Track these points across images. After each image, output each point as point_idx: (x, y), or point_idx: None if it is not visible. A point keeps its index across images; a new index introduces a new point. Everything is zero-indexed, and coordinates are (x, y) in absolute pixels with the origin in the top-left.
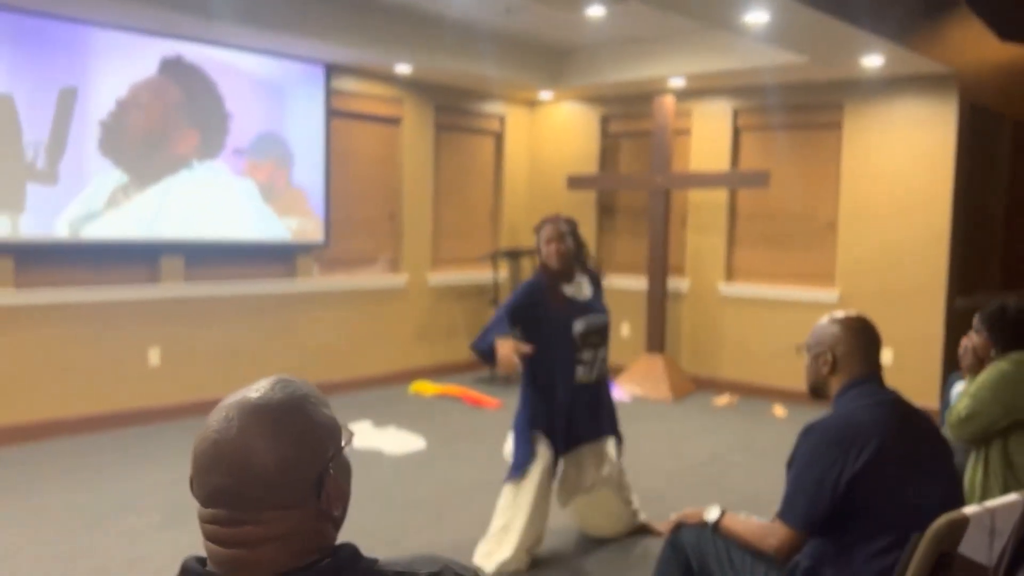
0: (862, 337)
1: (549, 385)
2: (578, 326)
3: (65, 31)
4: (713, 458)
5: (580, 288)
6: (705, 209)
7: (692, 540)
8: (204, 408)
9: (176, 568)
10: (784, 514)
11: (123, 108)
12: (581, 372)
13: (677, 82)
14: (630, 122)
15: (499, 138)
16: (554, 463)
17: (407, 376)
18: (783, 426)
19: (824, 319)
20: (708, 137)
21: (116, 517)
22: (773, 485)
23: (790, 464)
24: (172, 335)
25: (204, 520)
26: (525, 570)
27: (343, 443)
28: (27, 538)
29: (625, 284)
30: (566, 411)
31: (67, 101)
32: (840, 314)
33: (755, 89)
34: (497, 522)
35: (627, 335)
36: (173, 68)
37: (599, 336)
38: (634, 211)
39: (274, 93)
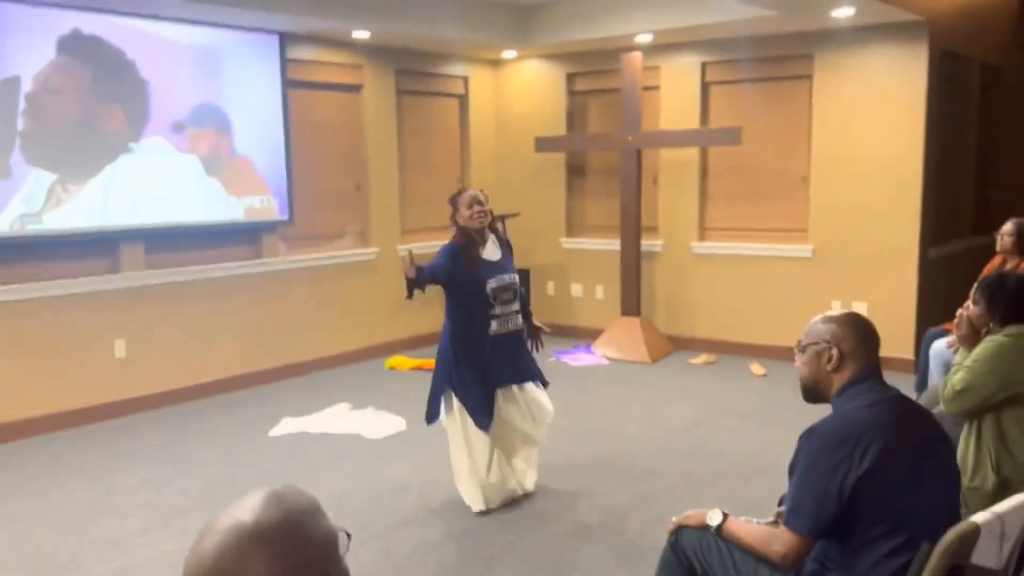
0: (864, 333)
1: (466, 336)
2: (491, 283)
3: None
4: (697, 423)
5: (492, 250)
6: (676, 167)
7: (694, 543)
8: (174, 397)
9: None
10: (789, 520)
11: (34, 100)
12: (495, 325)
13: (645, 38)
14: (597, 79)
15: (463, 100)
16: (484, 403)
17: (384, 350)
18: (762, 384)
19: (817, 318)
20: (677, 93)
21: (96, 523)
22: (760, 448)
23: (792, 468)
24: (137, 325)
25: None
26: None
27: (342, 552)
28: (5, 549)
29: (597, 246)
30: (484, 359)
31: (10, 91)
32: (835, 312)
33: (723, 42)
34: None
35: (601, 297)
36: (76, 46)
37: (510, 293)
38: (604, 171)
39: (208, 63)
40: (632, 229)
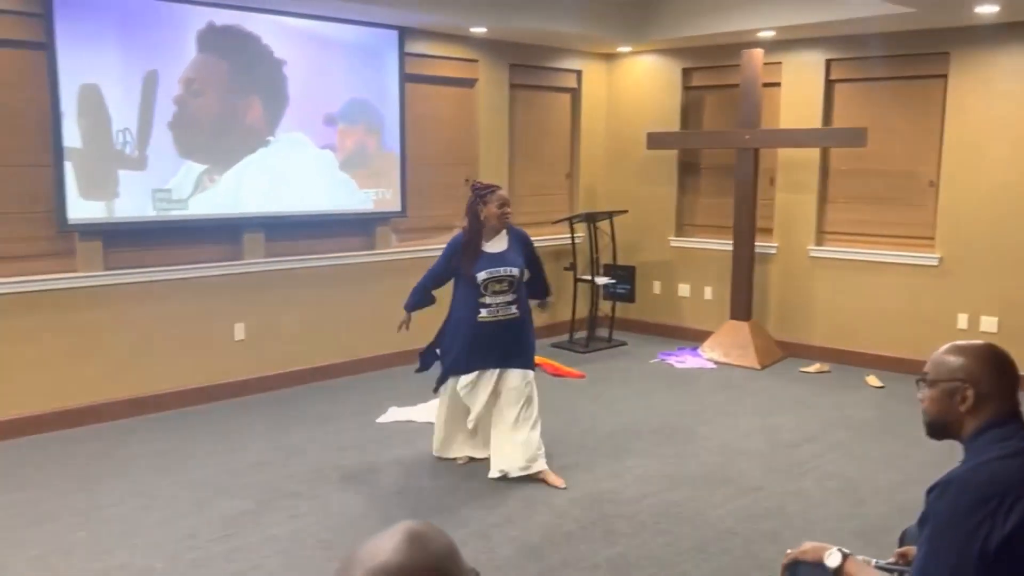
0: (1004, 371)
1: (459, 319)
2: (482, 275)
3: (145, 9)
4: (809, 436)
5: (498, 242)
6: (795, 166)
7: None
8: (287, 380)
9: (275, 558)
10: None
11: (183, 94)
12: (484, 312)
13: (767, 34)
14: (714, 75)
15: (575, 94)
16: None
17: None
18: (879, 398)
19: (947, 348)
20: (799, 90)
21: (211, 502)
22: (876, 467)
23: (923, 522)
24: (256, 309)
25: None
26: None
27: None
28: (127, 523)
29: (707, 246)
30: (471, 342)
31: (151, 85)
32: (968, 343)
33: (851, 39)
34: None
35: (709, 299)
36: (217, 40)
37: (503, 284)
38: (718, 169)
39: (362, 58)
40: (746, 230)
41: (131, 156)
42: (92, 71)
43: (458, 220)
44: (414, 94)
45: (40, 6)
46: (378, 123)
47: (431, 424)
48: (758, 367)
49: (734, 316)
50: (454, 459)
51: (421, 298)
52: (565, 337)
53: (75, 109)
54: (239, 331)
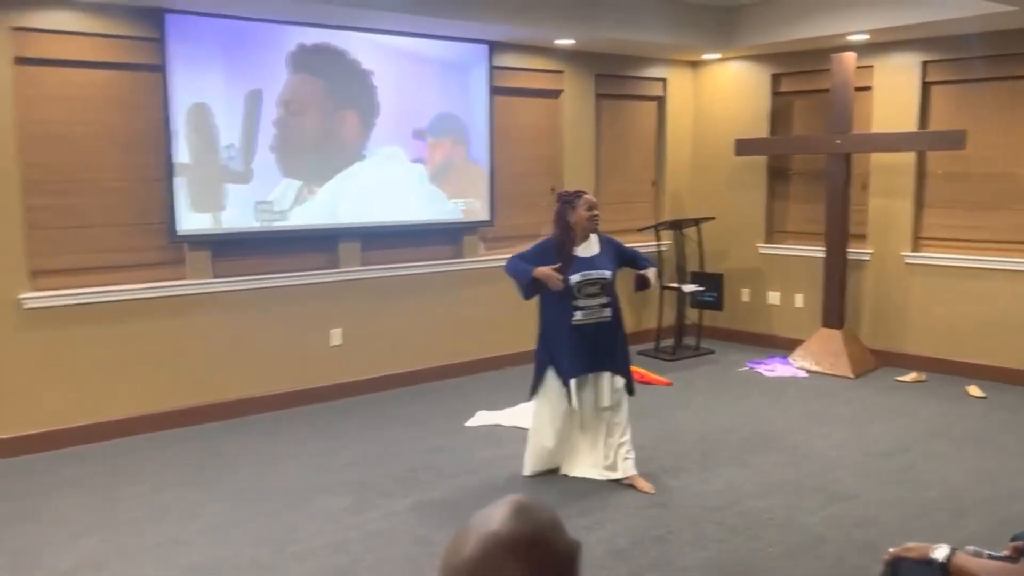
0: None
1: (554, 324)
2: (575, 277)
3: (244, 31)
4: (906, 446)
5: (589, 247)
6: (889, 171)
7: None
8: (381, 384)
9: (373, 553)
10: None
11: (286, 112)
12: (579, 315)
13: (860, 38)
14: (804, 80)
15: (661, 102)
16: (565, 387)
17: None
18: (981, 408)
19: None
20: (892, 93)
21: (310, 498)
22: (977, 479)
23: None
24: (351, 315)
25: None
26: (542, 471)
27: (579, 564)
28: (234, 517)
29: (798, 252)
30: (570, 347)
31: (253, 103)
32: None
33: (947, 40)
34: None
35: (800, 306)
36: (313, 60)
37: (596, 286)
38: (809, 175)
39: (450, 73)
40: (838, 236)
41: (237, 171)
42: (201, 91)
43: (544, 229)
44: (501, 106)
45: (155, 31)
46: (464, 136)
47: (519, 428)
48: (852, 376)
49: (826, 324)
50: (547, 469)
51: (522, 267)
52: (651, 345)
53: (185, 127)
54: (335, 336)
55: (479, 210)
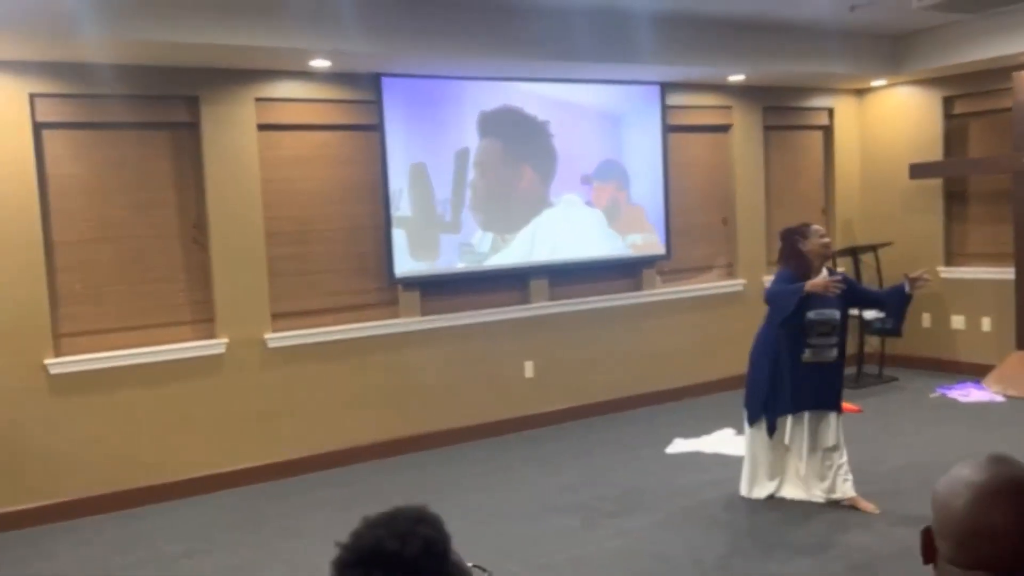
0: None
1: (777, 360)
2: (811, 314)
3: (444, 88)
4: None
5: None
6: None
7: None
8: (573, 414)
9: (617, 567)
10: None
11: (478, 172)
12: (808, 353)
13: None
14: (978, 101)
15: (828, 131)
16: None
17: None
18: None
19: None
20: None
21: (539, 518)
22: None
23: None
24: (542, 349)
25: None
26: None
27: None
28: (474, 534)
29: (982, 275)
30: (795, 383)
31: (462, 160)
32: None
33: None
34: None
35: (988, 330)
36: (502, 118)
37: (828, 326)
38: (989, 196)
39: (610, 122)
40: None
41: (447, 221)
42: (416, 150)
43: (718, 260)
44: (673, 143)
45: (374, 94)
46: (625, 180)
47: (720, 454)
48: None
49: (1020, 347)
50: (760, 496)
51: (785, 288)
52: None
53: (407, 183)
54: (529, 369)
55: (652, 244)
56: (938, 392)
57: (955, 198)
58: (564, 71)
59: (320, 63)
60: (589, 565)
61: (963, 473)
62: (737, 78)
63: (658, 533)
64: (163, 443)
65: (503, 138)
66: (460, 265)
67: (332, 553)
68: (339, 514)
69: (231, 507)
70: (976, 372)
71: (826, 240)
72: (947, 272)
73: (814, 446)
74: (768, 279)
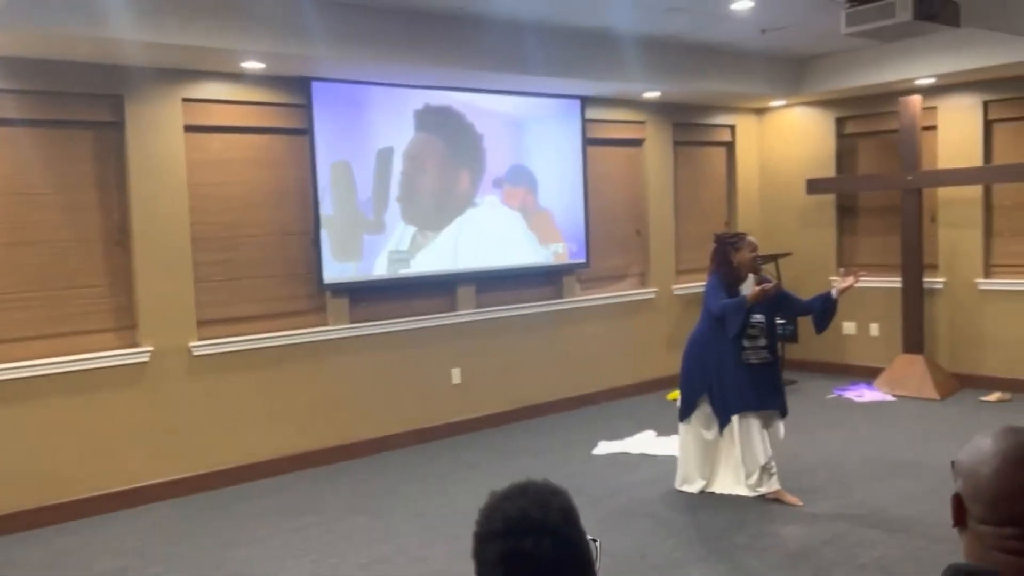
0: None
1: (720, 362)
2: None
3: (371, 93)
4: None
5: (747, 289)
6: (957, 204)
7: None
8: (499, 419)
9: None
10: None
11: (406, 169)
12: (746, 355)
13: (926, 82)
14: (868, 122)
15: (730, 147)
16: (716, 420)
17: (660, 384)
18: None
19: None
20: (955, 132)
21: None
22: None
23: None
24: (469, 355)
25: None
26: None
27: None
28: (424, 539)
29: (869, 284)
30: (750, 381)
31: (384, 159)
32: None
33: (1009, 81)
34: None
35: (876, 335)
36: (430, 119)
37: (756, 329)
38: (876, 210)
39: (522, 130)
40: (914, 266)
41: (370, 219)
42: (340, 149)
43: (632, 269)
44: (591, 156)
45: (304, 98)
46: (534, 185)
47: (646, 455)
48: (938, 397)
49: (907, 350)
50: (692, 491)
51: (729, 302)
52: None
53: (330, 182)
54: (456, 375)
55: (564, 254)
56: (835, 393)
57: (847, 212)
58: (488, 81)
59: (253, 65)
60: None
61: (985, 443)
62: (652, 94)
63: (600, 531)
64: (87, 455)
65: (437, 134)
66: (382, 265)
67: (275, 561)
68: (278, 523)
69: (163, 520)
70: (867, 374)
71: (756, 255)
72: (838, 281)
73: (750, 444)
74: (678, 288)
